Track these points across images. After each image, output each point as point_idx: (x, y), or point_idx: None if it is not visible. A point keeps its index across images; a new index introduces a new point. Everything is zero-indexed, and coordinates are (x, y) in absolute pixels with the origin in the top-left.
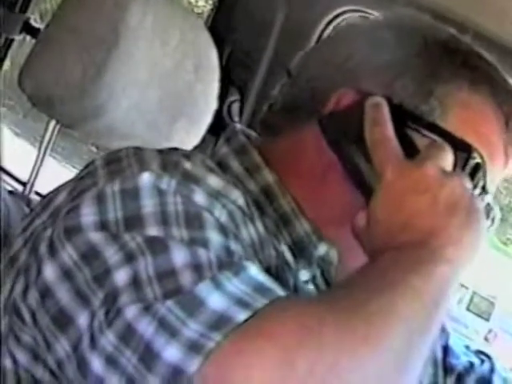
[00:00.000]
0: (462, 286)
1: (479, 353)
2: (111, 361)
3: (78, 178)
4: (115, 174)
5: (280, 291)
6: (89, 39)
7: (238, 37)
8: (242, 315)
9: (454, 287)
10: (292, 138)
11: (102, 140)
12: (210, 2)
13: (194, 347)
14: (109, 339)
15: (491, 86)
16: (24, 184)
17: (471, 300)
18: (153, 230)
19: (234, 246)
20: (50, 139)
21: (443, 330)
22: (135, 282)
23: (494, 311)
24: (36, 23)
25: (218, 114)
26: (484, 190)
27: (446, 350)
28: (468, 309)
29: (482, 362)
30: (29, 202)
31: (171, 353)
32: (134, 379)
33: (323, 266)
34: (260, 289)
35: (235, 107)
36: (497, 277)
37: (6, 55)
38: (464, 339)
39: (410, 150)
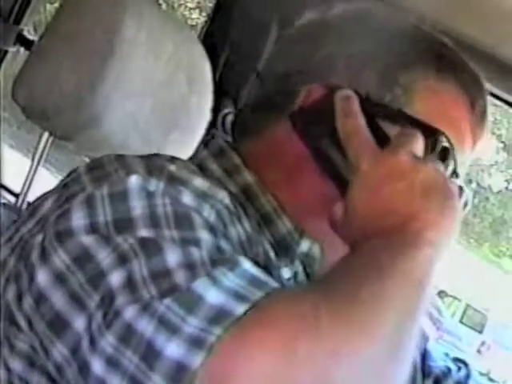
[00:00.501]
0: (455, 298)
1: (456, 360)
2: (112, 362)
3: (62, 186)
4: (102, 179)
5: (274, 284)
6: (83, 51)
7: (232, 49)
8: (240, 308)
9: (435, 269)
10: (266, 137)
11: (96, 152)
12: (204, 14)
13: (195, 342)
14: (109, 341)
15: (456, 71)
16: (17, 195)
17: (464, 312)
18: (144, 232)
19: (224, 244)
20: (44, 151)
21: (422, 335)
22: (130, 284)
23: (487, 324)
24: (30, 35)
25: (212, 126)
26: (455, 173)
27: (424, 354)
28: (461, 321)
29: (459, 368)
30: (21, 214)
31: (173, 349)
32: (136, 379)
33: (306, 261)
34: (255, 282)
35: (229, 119)
36: (490, 289)
37: None
38: (457, 351)
39: (382, 139)
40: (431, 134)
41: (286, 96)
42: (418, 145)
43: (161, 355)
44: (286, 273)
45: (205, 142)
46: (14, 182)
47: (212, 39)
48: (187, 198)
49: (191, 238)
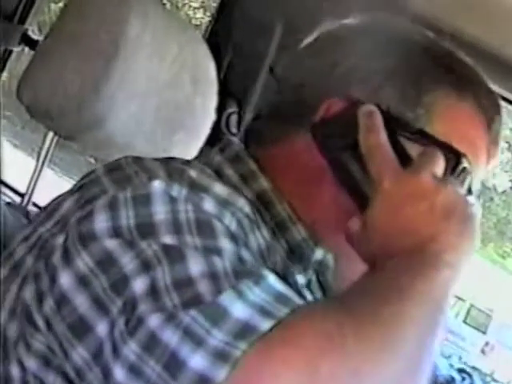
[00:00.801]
0: (459, 298)
1: (461, 371)
2: (135, 370)
3: (80, 187)
4: (124, 182)
5: (298, 300)
6: (88, 51)
7: (237, 48)
8: (265, 324)
9: (453, 291)
10: (283, 145)
11: (101, 152)
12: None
13: (220, 356)
14: (132, 348)
15: (475, 91)
16: (22, 195)
17: (468, 313)
18: (167, 238)
19: (246, 254)
20: (48, 151)
21: None
22: (153, 291)
23: (490, 324)
24: (34, 35)
25: (217, 126)
26: (469, 190)
27: None
28: (465, 321)
29: (463, 379)
30: (27, 214)
31: (197, 361)
32: None
33: (319, 270)
34: (280, 297)
35: (233, 119)
36: (494, 290)
37: (4, 67)
38: (461, 351)
39: (402, 157)
40: (453, 155)
41: (306, 107)
42: (440, 165)
43: (185, 366)
44: (301, 279)
45: (220, 148)
46: (19, 182)
47: (216, 39)
48: (209, 205)
49: (213, 246)
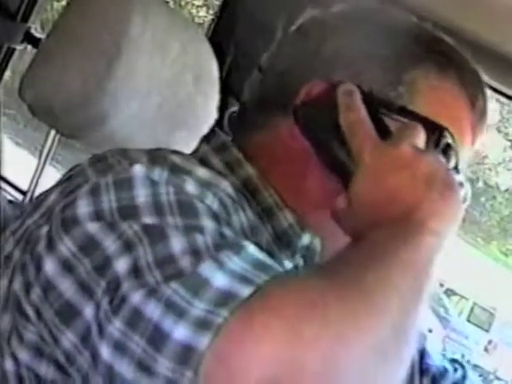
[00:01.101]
0: (463, 297)
1: (453, 361)
2: (119, 347)
3: (66, 179)
4: (106, 170)
5: (279, 268)
6: (90, 49)
7: (240, 47)
8: (245, 291)
9: (439, 258)
10: (267, 131)
11: (103, 150)
12: (211, 12)
13: (202, 324)
14: (116, 326)
15: (456, 69)
16: (24, 193)
17: (471, 311)
18: (148, 219)
19: (228, 232)
20: (50, 148)
21: (421, 334)
22: (135, 270)
23: (494, 322)
24: (37, 33)
25: (219, 125)
26: (456, 168)
27: (422, 352)
28: (468, 320)
29: (455, 370)
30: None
31: (180, 332)
32: (143, 362)
33: (307, 255)
34: (260, 265)
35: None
36: (497, 288)
37: (7, 64)
38: (464, 350)
39: (384, 133)
40: (435, 130)
41: (288, 92)
42: (420, 137)
43: (168, 338)
44: (288, 265)
45: (206, 138)
46: (22, 180)
47: (219, 37)
48: (190, 187)
49: (195, 225)
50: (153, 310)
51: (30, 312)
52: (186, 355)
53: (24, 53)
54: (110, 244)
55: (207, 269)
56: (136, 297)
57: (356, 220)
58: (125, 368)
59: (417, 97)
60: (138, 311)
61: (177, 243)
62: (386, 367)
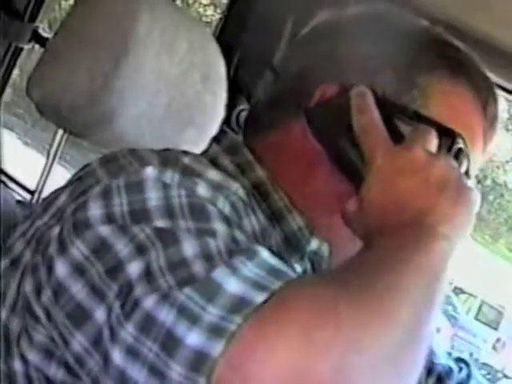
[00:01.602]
0: (471, 295)
1: (458, 360)
2: (132, 352)
3: (76, 179)
4: (118, 171)
5: (292, 273)
6: (97, 48)
7: (247, 45)
8: (259, 297)
9: (450, 262)
10: (279, 132)
11: (111, 149)
12: (219, 11)
13: (216, 331)
14: (128, 331)
15: (468, 74)
16: (32, 193)
17: (480, 309)
18: (160, 222)
19: (239, 235)
20: (58, 148)
21: None
22: (148, 274)
23: (502, 320)
24: (45, 32)
25: (226, 124)
26: (467, 173)
27: (428, 351)
28: (476, 318)
29: (461, 369)
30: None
31: (193, 338)
32: (156, 367)
33: (314, 260)
34: (274, 271)
35: (243, 116)
36: (505, 286)
37: (14, 64)
38: (472, 348)
39: (397, 137)
40: (448, 135)
41: (301, 94)
42: (432, 141)
43: (181, 344)
44: (297, 269)
45: (217, 138)
46: (30, 180)
47: (226, 36)
48: (202, 190)
49: (207, 228)
50: (166, 316)
51: (41, 314)
52: (199, 362)
53: (32, 52)
54: (122, 247)
55: (221, 274)
56: (149, 301)
57: (367, 223)
58: (137, 373)
59: (430, 101)
60: (151, 316)
61: (189, 247)
62: (398, 374)
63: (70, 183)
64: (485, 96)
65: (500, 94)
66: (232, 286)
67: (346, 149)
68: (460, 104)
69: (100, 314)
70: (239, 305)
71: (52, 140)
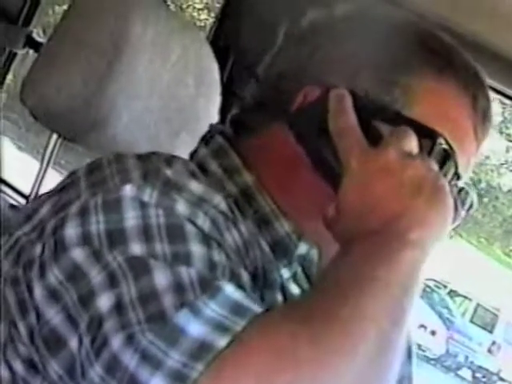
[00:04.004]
0: (466, 297)
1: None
2: None
3: (60, 189)
4: (97, 187)
5: (256, 306)
6: (91, 53)
7: (241, 49)
8: (222, 341)
9: (423, 268)
10: (263, 137)
11: (104, 153)
12: (212, 15)
13: (177, 378)
14: (96, 371)
15: (455, 69)
16: (27, 197)
17: (475, 312)
18: (136, 247)
19: (217, 256)
20: (52, 152)
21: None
22: (118, 307)
23: (497, 323)
24: (39, 37)
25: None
26: (457, 174)
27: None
28: (472, 321)
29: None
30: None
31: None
32: None
33: (304, 264)
34: (237, 309)
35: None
36: (500, 289)
37: (9, 69)
38: (467, 351)
39: (376, 139)
40: (429, 136)
41: (284, 97)
42: (410, 143)
43: None
44: (285, 273)
45: (205, 139)
46: (24, 184)
47: (220, 40)
48: (181, 208)
49: (182, 252)
50: (129, 360)
51: (23, 332)
52: None
53: (26, 57)
54: (95, 275)
55: (184, 317)
56: (116, 341)
57: (343, 228)
58: None
59: (413, 100)
60: (116, 358)
61: (161, 278)
62: None
63: (53, 193)
64: (473, 90)
65: (495, 96)
66: (194, 329)
67: (325, 153)
68: (446, 100)
69: (73, 344)
70: (201, 350)
71: (46, 144)
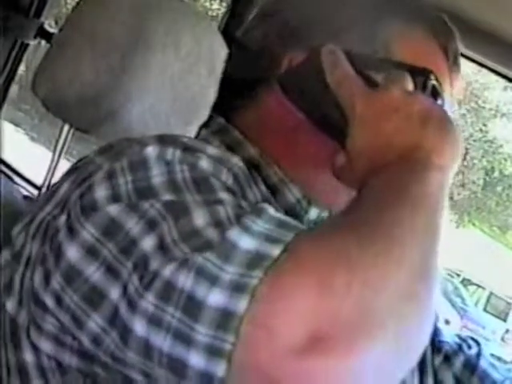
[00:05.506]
0: (479, 286)
1: (468, 339)
2: (154, 320)
3: (74, 170)
4: (119, 155)
5: (301, 225)
6: (103, 43)
7: None
8: (275, 250)
9: (446, 192)
10: (256, 107)
11: None
12: (225, 5)
13: (237, 288)
14: (149, 300)
15: (426, 20)
16: (39, 188)
17: (488, 301)
18: (167, 197)
19: (244, 204)
20: (65, 143)
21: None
22: (162, 247)
23: (511, 312)
24: (51, 28)
25: None
26: None
27: (434, 330)
28: (485, 309)
29: (470, 347)
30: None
31: (215, 298)
32: (180, 332)
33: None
34: (283, 224)
35: None
36: None
37: (20, 60)
38: (481, 340)
39: (371, 86)
40: (419, 74)
41: (270, 64)
42: (407, 82)
43: (203, 305)
44: None
45: (205, 123)
46: (36, 175)
47: (232, 30)
48: (204, 164)
49: (213, 199)
50: (184, 280)
51: (49, 301)
52: (225, 320)
53: (38, 48)
54: (133, 225)
55: (233, 234)
56: (167, 271)
57: (358, 173)
58: (161, 341)
59: (392, 49)
60: (170, 283)
61: (199, 217)
62: (418, 308)
63: (67, 174)
64: (443, 36)
65: (507, 85)
66: (246, 243)
67: (325, 107)
68: (421, 47)
69: (115, 293)
70: (256, 259)
71: (58, 135)
